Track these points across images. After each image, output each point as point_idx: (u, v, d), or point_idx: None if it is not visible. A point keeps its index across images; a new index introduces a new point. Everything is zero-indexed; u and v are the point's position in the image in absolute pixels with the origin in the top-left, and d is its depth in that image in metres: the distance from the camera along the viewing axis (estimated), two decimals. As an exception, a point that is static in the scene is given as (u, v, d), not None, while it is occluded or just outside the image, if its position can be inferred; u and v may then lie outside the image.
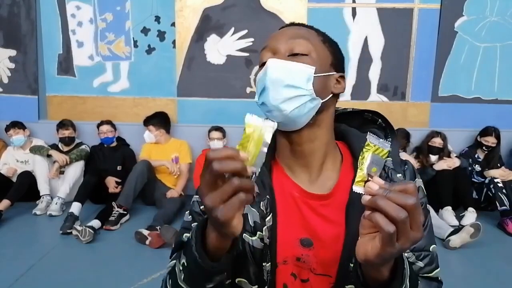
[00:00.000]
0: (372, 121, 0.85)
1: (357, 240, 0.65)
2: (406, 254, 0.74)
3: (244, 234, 0.74)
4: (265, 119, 0.56)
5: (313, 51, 0.72)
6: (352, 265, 0.70)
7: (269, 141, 0.55)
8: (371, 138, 0.61)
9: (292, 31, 0.74)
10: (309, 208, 0.74)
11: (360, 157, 0.60)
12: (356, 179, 0.59)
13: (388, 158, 0.77)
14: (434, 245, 0.79)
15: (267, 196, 0.74)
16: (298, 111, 0.70)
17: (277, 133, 0.77)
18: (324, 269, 0.74)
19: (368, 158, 0.59)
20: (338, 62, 0.77)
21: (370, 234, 0.56)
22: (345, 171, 0.77)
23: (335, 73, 0.76)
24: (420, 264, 0.76)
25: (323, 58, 0.74)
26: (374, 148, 0.60)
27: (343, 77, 0.78)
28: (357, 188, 0.58)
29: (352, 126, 0.84)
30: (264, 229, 0.73)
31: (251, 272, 0.74)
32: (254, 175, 0.55)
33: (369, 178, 0.57)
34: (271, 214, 0.74)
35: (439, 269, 0.79)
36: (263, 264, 0.73)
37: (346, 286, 0.71)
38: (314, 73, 0.70)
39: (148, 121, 3.68)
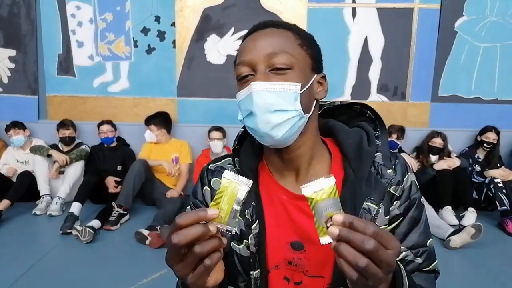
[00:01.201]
0: (361, 114, 0.83)
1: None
2: (404, 253, 0.74)
3: (231, 243, 0.74)
4: (240, 176, 0.56)
5: (295, 62, 0.68)
6: None
7: (242, 199, 0.54)
8: (305, 191, 0.54)
9: (268, 41, 0.68)
10: (299, 211, 0.73)
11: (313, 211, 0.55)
12: (318, 232, 0.54)
13: (378, 154, 0.75)
14: (431, 239, 0.79)
15: (253, 203, 0.73)
16: (289, 132, 0.68)
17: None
18: (318, 271, 0.73)
19: (314, 210, 0.53)
20: (317, 62, 0.73)
21: None
22: (335, 169, 0.75)
23: (315, 75, 0.72)
24: (419, 260, 0.76)
25: (304, 66, 0.70)
26: (315, 197, 0.53)
27: (324, 77, 0.75)
28: (323, 240, 0.53)
29: (340, 120, 0.82)
30: (250, 237, 0.72)
31: (239, 281, 0.74)
32: (229, 233, 0.54)
33: (329, 223, 0.52)
34: (257, 221, 0.73)
35: (436, 261, 0.79)
36: (251, 272, 0.73)
37: None
38: (300, 90, 0.67)
39: (150, 121, 3.67)
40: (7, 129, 3.69)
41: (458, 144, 3.80)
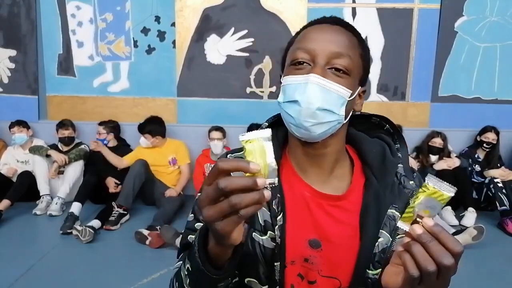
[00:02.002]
0: (379, 126, 0.84)
1: (373, 247, 0.68)
2: None
3: (253, 233, 0.73)
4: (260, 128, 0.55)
5: (353, 69, 0.69)
6: (370, 272, 0.70)
7: (272, 153, 0.53)
8: (431, 180, 0.55)
9: (336, 38, 0.69)
10: (320, 209, 0.73)
11: (414, 197, 0.56)
12: (404, 215, 0.56)
13: (400, 165, 0.76)
14: None
15: (278, 195, 0.73)
16: (325, 133, 0.69)
17: (289, 133, 0.76)
18: (332, 272, 0.73)
19: (421, 199, 0.55)
20: (365, 76, 0.74)
21: (398, 266, 0.57)
22: (356, 175, 0.76)
23: (360, 88, 0.73)
24: None
25: (357, 76, 0.71)
26: (432, 191, 0.55)
27: (364, 92, 0.76)
28: (401, 224, 0.56)
29: (359, 130, 0.83)
30: (276, 228, 0.72)
31: (260, 272, 0.73)
32: (272, 185, 0.53)
33: (418, 219, 0.54)
34: (281, 213, 0.73)
35: None
36: (275, 264, 0.72)
37: None
38: (349, 97, 0.69)
39: (144, 129, 3.60)
40: (11, 126, 3.70)
41: (458, 144, 3.80)
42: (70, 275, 2.41)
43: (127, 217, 3.25)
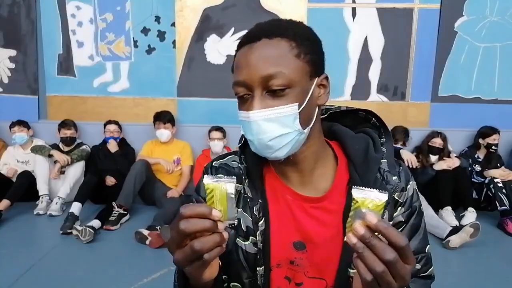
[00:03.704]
0: (366, 120, 0.83)
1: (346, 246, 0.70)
2: None
3: (237, 239, 0.74)
4: (221, 176, 0.58)
5: (292, 79, 0.65)
6: (351, 271, 0.70)
7: (234, 192, 0.56)
8: (357, 191, 0.54)
9: (262, 59, 0.65)
10: (302, 211, 0.73)
11: (351, 212, 0.55)
12: (347, 232, 0.54)
13: (383, 160, 0.75)
14: (429, 245, 0.81)
15: (259, 201, 0.74)
16: (291, 150, 0.68)
17: None
18: (318, 272, 0.73)
19: (354, 213, 0.53)
20: (317, 66, 0.70)
21: None
22: (340, 173, 0.75)
23: (316, 79, 0.70)
24: (418, 266, 0.78)
25: (302, 78, 0.66)
26: (361, 202, 0.53)
27: (326, 78, 0.73)
28: (351, 238, 0.52)
29: (345, 125, 0.81)
30: (257, 233, 0.73)
31: (243, 277, 0.74)
32: (233, 224, 0.57)
33: (357, 228, 0.52)
34: (263, 218, 0.73)
35: (432, 267, 0.81)
36: (257, 268, 0.73)
37: None
38: (298, 109, 0.66)
39: (164, 118, 3.64)
40: (12, 125, 3.70)
41: (458, 144, 3.80)
42: (70, 275, 2.41)
43: (127, 217, 3.25)
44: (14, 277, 2.34)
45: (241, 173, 0.76)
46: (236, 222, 0.56)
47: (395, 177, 0.75)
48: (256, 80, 0.65)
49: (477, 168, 3.63)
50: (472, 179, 3.62)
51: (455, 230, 2.83)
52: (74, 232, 2.84)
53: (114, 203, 3.19)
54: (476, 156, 3.68)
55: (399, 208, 0.75)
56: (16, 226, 3.15)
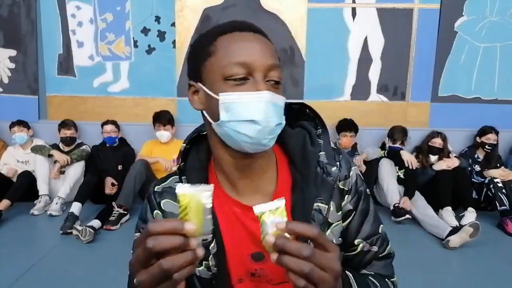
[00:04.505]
0: (301, 113, 0.82)
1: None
2: (360, 245, 0.77)
3: None
4: (197, 184, 0.52)
5: (281, 76, 0.69)
6: None
7: (210, 205, 0.51)
8: (256, 210, 0.55)
9: (267, 49, 0.66)
10: (254, 221, 0.70)
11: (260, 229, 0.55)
12: (268, 250, 0.54)
13: (321, 153, 0.75)
14: (382, 225, 0.81)
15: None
16: (274, 141, 0.68)
17: (217, 151, 0.72)
18: (282, 277, 0.72)
19: (262, 228, 0.54)
20: None
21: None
22: (281, 173, 0.75)
23: None
24: (375, 248, 0.78)
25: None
26: (259, 215, 0.54)
27: None
28: (274, 256, 0.52)
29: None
30: (210, 258, 0.71)
31: None
32: (205, 241, 0.53)
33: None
34: (214, 240, 0.71)
35: (390, 244, 0.82)
36: None
37: None
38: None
39: (164, 119, 3.63)
40: (12, 125, 3.70)
41: (458, 144, 3.80)
42: (70, 275, 2.41)
43: (127, 217, 3.25)
44: (14, 277, 2.34)
45: None
46: (210, 237, 0.52)
47: (335, 168, 0.74)
48: (262, 65, 0.65)
49: (477, 168, 3.63)
50: (472, 179, 3.62)
51: (455, 230, 2.83)
52: (74, 232, 2.84)
53: (114, 203, 3.19)
54: (476, 156, 3.68)
55: (346, 196, 0.76)
56: (16, 226, 3.15)
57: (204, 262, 0.71)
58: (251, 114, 0.63)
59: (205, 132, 0.76)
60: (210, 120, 0.68)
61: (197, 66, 0.69)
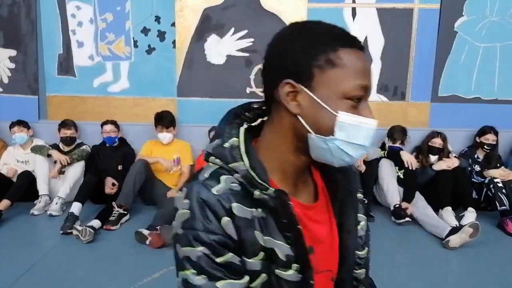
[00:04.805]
0: None
1: (356, 232, 0.80)
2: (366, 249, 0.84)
3: (276, 270, 0.68)
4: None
5: None
6: (360, 253, 0.81)
7: None
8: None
9: (370, 70, 0.68)
10: (309, 219, 0.73)
11: None
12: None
13: None
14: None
15: (298, 226, 0.69)
16: None
17: (284, 155, 0.70)
18: (325, 266, 0.76)
19: None
20: None
21: None
22: (314, 172, 0.79)
23: None
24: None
25: None
26: None
27: None
28: None
29: None
30: (299, 261, 0.69)
31: None
32: None
33: None
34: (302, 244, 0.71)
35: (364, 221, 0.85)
36: None
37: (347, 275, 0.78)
38: None
39: (166, 121, 3.63)
40: (12, 125, 3.70)
41: (458, 144, 3.80)
42: (70, 275, 2.41)
43: (127, 217, 3.25)
44: (14, 277, 2.34)
45: (264, 196, 0.65)
46: None
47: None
48: (371, 90, 0.67)
49: (477, 168, 3.63)
50: (472, 179, 3.62)
51: (455, 230, 2.83)
52: (74, 232, 2.84)
53: (114, 203, 3.19)
54: (476, 156, 3.68)
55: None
56: (16, 226, 3.15)
57: (293, 265, 0.68)
58: (363, 139, 0.65)
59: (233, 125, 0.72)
60: (310, 130, 0.65)
61: (308, 67, 0.63)
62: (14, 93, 4.08)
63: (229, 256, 0.64)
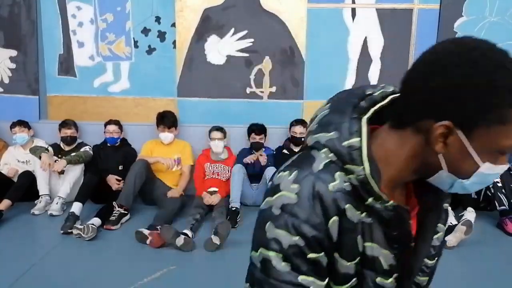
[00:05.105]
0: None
1: (431, 241, 0.77)
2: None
3: (377, 278, 0.68)
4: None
5: None
6: (430, 262, 0.79)
7: None
8: None
9: None
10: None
11: None
12: None
13: None
14: None
15: (412, 244, 0.70)
16: None
17: (401, 170, 0.67)
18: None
19: None
20: None
21: None
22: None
23: None
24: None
25: None
26: None
27: None
28: None
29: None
30: (399, 269, 0.69)
31: None
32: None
33: None
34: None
35: None
36: None
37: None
38: None
39: (168, 122, 3.65)
40: (13, 126, 3.70)
41: (458, 144, 3.80)
42: (71, 274, 2.41)
43: (127, 217, 3.26)
44: (14, 277, 2.35)
45: (377, 206, 0.63)
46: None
47: None
48: None
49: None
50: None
51: (449, 229, 2.84)
52: (75, 231, 2.85)
53: (114, 203, 3.20)
54: (475, 156, 3.67)
55: None
56: (16, 226, 3.15)
57: (395, 274, 0.69)
58: (490, 180, 0.65)
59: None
60: (445, 169, 0.62)
61: (477, 119, 0.56)
62: (15, 93, 4.09)
63: (321, 255, 0.62)
